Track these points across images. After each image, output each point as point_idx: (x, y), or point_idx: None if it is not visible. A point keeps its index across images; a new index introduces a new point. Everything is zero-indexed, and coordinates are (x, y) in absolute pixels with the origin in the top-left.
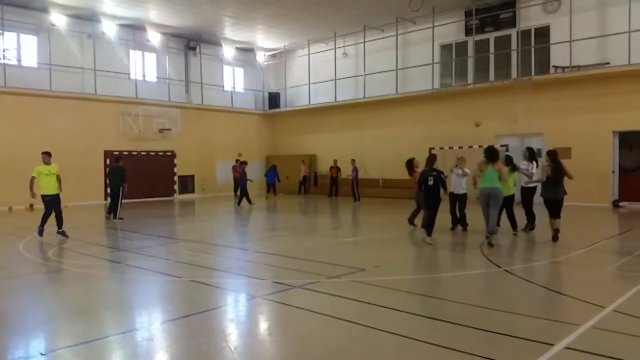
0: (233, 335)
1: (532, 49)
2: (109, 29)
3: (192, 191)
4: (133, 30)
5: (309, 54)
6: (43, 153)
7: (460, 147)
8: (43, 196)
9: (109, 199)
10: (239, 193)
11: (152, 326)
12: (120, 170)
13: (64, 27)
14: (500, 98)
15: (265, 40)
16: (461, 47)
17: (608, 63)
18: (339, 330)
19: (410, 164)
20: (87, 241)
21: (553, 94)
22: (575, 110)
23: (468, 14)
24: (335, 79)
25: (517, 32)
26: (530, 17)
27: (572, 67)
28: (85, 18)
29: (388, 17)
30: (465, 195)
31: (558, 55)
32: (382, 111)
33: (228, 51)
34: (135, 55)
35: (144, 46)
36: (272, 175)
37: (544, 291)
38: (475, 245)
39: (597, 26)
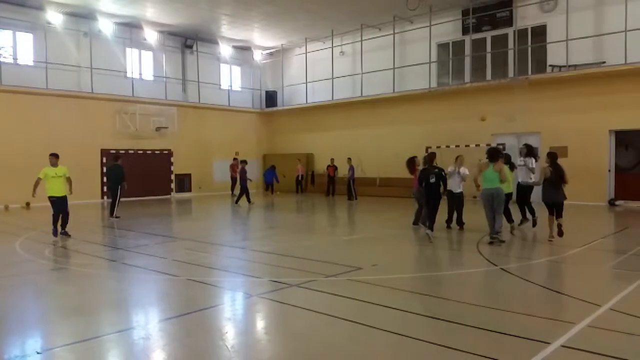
0: (230, 333)
1: (529, 48)
2: (106, 27)
3: (189, 190)
4: (130, 28)
5: (306, 53)
6: (50, 155)
7: (457, 146)
8: (50, 197)
9: (105, 198)
10: (236, 192)
11: (149, 325)
12: (119, 168)
13: (60, 25)
14: (497, 97)
15: (262, 39)
16: (458, 46)
17: (604, 62)
18: (336, 329)
19: (411, 162)
20: (84, 240)
21: (550, 93)
22: (572, 109)
23: (465, 13)
24: (333, 78)
25: (514, 31)
26: (527, 16)
27: (569, 66)
28: (81, 16)
29: (385, 16)
30: (461, 194)
31: (555, 55)
32: (379, 110)
33: (225, 49)
34: (132, 53)
35: (140, 44)
36: (270, 175)
37: (540, 289)
38: (472, 244)
39: (593, 25)
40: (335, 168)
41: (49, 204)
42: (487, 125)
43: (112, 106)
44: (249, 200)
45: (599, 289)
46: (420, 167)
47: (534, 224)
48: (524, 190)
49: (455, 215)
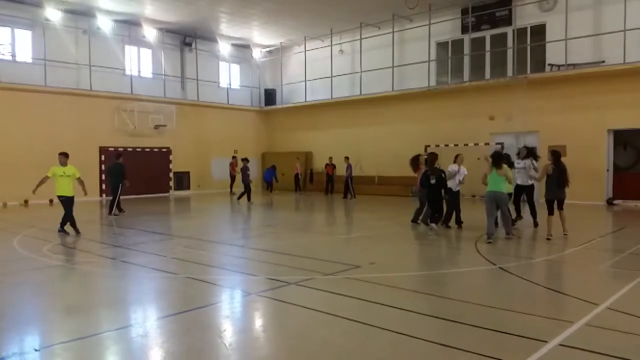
0: (228, 331)
1: (528, 47)
2: (105, 24)
3: (188, 188)
4: (129, 25)
5: (305, 51)
6: (60, 154)
7: (456, 145)
8: (59, 197)
9: (104, 196)
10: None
11: (147, 322)
12: (120, 166)
13: (59, 22)
14: (496, 96)
15: (262, 37)
16: (457, 44)
17: (603, 61)
18: (333, 327)
19: (415, 161)
20: (82, 237)
21: (549, 92)
22: (571, 108)
23: (464, 12)
24: (332, 76)
25: (513, 30)
26: (526, 15)
27: (568, 65)
28: (80, 13)
29: (384, 15)
30: (458, 192)
31: (554, 54)
32: (378, 108)
33: (224, 47)
34: (130, 50)
35: (139, 42)
36: (270, 174)
37: (538, 288)
38: (470, 243)
39: (592, 24)
40: (334, 167)
41: (47, 202)
42: (486, 124)
43: (110, 104)
44: (249, 199)
45: (597, 288)
46: (423, 167)
47: (536, 225)
48: (521, 191)
49: (453, 214)
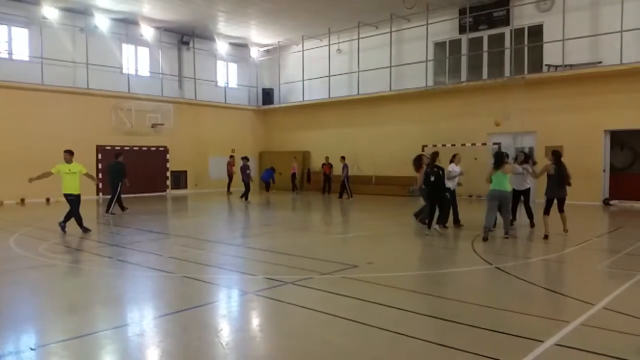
0: (225, 330)
1: (525, 48)
2: (102, 22)
3: (185, 187)
4: (126, 24)
5: (302, 50)
6: (65, 151)
7: (453, 145)
8: (65, 195)
9: (101, 195)
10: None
11: (144, 321)
12: (120, 165)
13: (56, 21)
14: (493, 96)
15: (259, 36)
16: (455, 45)
17: (600, 62)
18: (330, 326)
19: (419, 160)
20: (79, 236)
21: (545, 93)
22: (568, 108)
23: (462, 12)
24: (329, 76)
25: (511, 30)
26: (523, 15)
27: (565, 65)
28: (77, 11)
29: (382, 14)
30: (454, 192)
31: (551, 54)
32: (376, 108)
33: (222, 46)
34: (128, 49)
35: (136, 40)
36: (268, 175)
37: (534, 288)
38: (467, 242)
39: (589, 25)
40: (331, 166)
41: (43, 200)
42: (483, 124)
43: (107, 102)
44: (246, 198)
45: (593, 288)
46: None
47: (532, 225)
48: (517, 195)
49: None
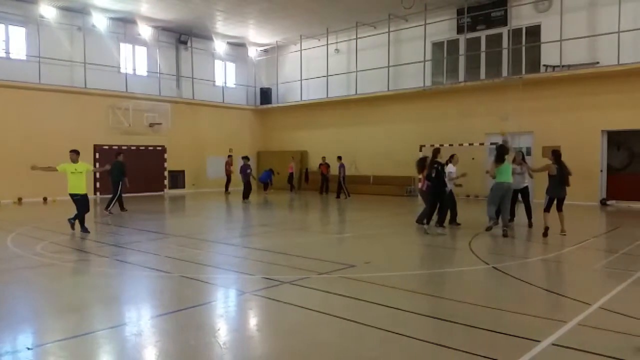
0: (222, 330)
1: (523, 48)
2: (100, 21)
3: (183, 186)
4: (124, 23)
5: (301, 50)
6: (71, 151)
7: (451, 145)
8: (71, 195)
9: (98, 194)
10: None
11: (141, 321)
12: (121, 164)
13: (54, 19)
14: (490, 96)
15: (257, 36)
16: (453, 45)
17: (598, 63)
18: (327, 326)
19: (422, 163)
20: (77, 235)
21: (543, 93)
22: (565, 109)
23: (460, 12)
24: (327, 75)
25: (509, 30)
26: (521, 15)
27: (562, 66)
28: (75, 10)
29: (380, 14)
30: (451, 191)
31: (548, 55)
32: (374, 108)
33: (220, 46)
34: (125, 48)
35: (134, 39)
36: (266, 176)
37: (531, 288)
38: (465, 242)
39: (587, 26)
40: (328, 166)
41: (40, 200)
42: (481, 124)
43: (105, 101)
44: (245, 197)
45: (590, 288)
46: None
47: (530, 225)
48: (516, 194)
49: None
